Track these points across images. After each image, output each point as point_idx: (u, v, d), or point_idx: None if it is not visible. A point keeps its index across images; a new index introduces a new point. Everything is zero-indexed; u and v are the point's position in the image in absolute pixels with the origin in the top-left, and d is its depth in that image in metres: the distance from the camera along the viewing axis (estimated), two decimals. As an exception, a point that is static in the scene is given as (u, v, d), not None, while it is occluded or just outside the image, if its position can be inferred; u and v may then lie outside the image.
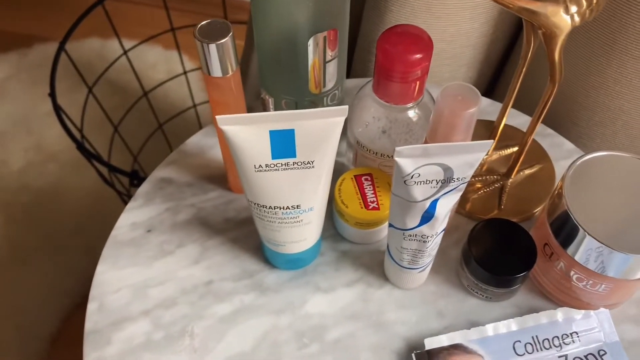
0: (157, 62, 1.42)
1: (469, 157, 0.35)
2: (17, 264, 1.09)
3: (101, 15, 0.88)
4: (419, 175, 0.36)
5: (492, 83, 0.70)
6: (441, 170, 0.36)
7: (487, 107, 0.59)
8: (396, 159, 0.35)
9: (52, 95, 0.81)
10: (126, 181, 0.96)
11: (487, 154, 0.54)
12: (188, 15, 1.21)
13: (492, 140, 0.35)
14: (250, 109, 0.54)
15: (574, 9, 0.36)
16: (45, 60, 1.44)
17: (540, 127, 0.57)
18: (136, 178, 0.76)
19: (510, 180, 0.52)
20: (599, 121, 0.58)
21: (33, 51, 1.46)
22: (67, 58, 0.85)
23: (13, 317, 1.03)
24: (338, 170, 0.50)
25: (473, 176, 0.52)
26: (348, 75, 0.71)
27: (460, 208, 0.51)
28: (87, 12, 0.88)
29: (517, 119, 0.58)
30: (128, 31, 1.22)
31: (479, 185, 0.52)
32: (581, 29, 0.54)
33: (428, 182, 0.36)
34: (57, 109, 0.79)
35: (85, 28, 0.93)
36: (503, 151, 0.54)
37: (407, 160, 0.35)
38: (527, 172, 0.53)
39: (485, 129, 0.55)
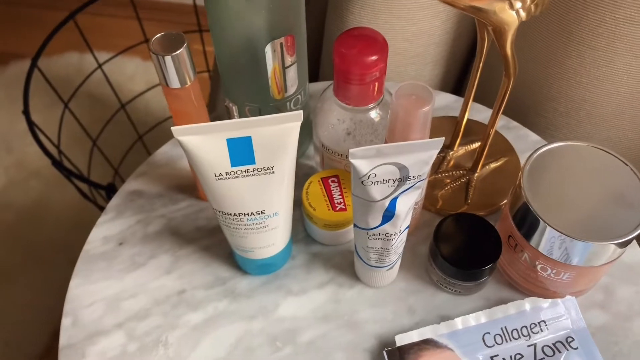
0: (135, 73, 1.42)
1: (422, 155, 0.36)
2: (2, 282, 1.09)
3: (80, 28, 0.88)
4: (375, 175, 0.36)
5: (460, 79, 0.71)
6: (397, 170, 0.36)
7: (454, 104, 0.60)
8: (351, 160, 0.36)
9: (26, 112, 0.81)
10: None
11: (452, 151, 0.55)
12: (164, 24, 1.22)
13: (443, 138, 0.35)
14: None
15: (518, 4, 0.37)
16: (22, 77, 1.42)
17: (505, 120, 0.58)
18: (112, 191, 0.76)
19: (477, 174, 0.53)
20: (564, 111, 0.59)
21: (9, 68, 1.45)
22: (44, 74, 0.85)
23: (1, 334, 1.03)
24: (308, 174, 0.51)
25: (440, 172, 0.53)
26: (317, 78, 0.71)
27: (429, 204, 0.52)
28: (58, 28, 0.88)
29: (483, 114, 0.59)
30: (107, 44, 1.22)
31: (447, 181, 0.53)
32: (540, 20, 0.55)
33: (385, 181, 0.37)
34: (32, 126, 0.79)
35: (63, 42, 0.93)
36: (469, 146, 0.55)
37: (362, 162, 0.36)
38: (493, 165, 0.53)
39: (451, 125, 0.56)
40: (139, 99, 1.11)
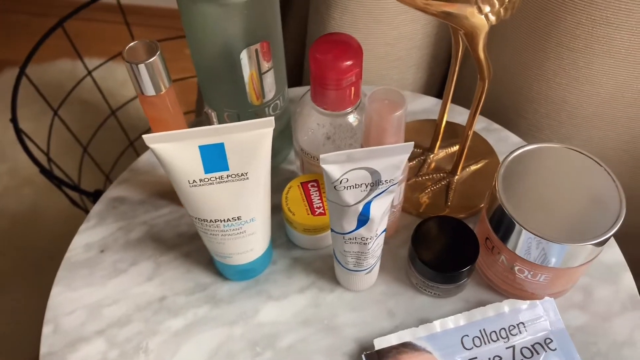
0: (127, 78, 1.42)
1: (393, 159, 0.36)
2: (-5, 290, 1.09)
3: (71, 35, 0.89)
4: (347, 180, 0.37)
5: (443, 82, 0.71)
6: (368, 174, 0.37)
7: (435, 107, 0.60)
8: (322, 165, 0.36)
9: (14, 120, 0.81)
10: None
11: (433, 153, 0.55)
12: (155, 29, 1.22)
13: (412, 142, 0.36)
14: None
15: (487, 9, 0.37)
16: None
17: (486, 122, 0.58)
18: (99, 197, 0.76)
19: (457, 177, 0.53)
20: (545, 113, 0.59)
21: (3, 76, 1.46)
22: (35, 81, 0.85)
23: (-7, 344, 1.03)
24: (289, 178, 0.51)
25: (421, 175, 0.54)
26: (301, 83, 0.72)
27: (410, 207, 0.52)
28: (46, 35, 0.89)
29: (465, 117, 0.59)
30: (99, 50, 1.22)
31: (428, 184, 0.53)
32: (518, 22, 0.55)
33: (357, 186, 0.37)
34: (19, 134, 0.80)
35: (56, 49, 0.93)
36: (449, 149, 0.55)
37: (333, 167, 0.36)
38: (473, 167, 0.54)
39: (432, 128, 0.56)
40: (130, 104, 1.11)
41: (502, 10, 0.38)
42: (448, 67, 0.70)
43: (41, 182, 1.24)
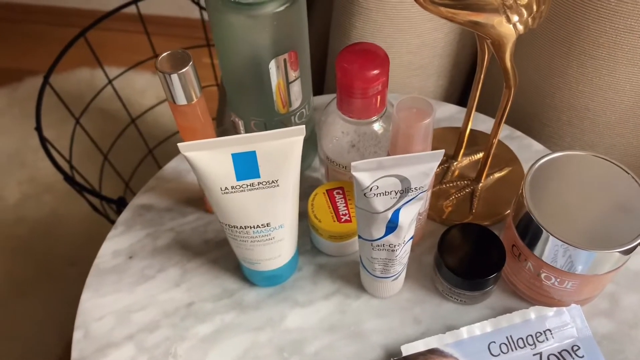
0: (146, 88, 1.44)
1: (422, 167, 0.37)
2: (17, 296, 1.11)
3: (91, 44, 0.90)
4: (377, 187, 0.37)
5: (464, 90, 0.72)
6: (398, 182, 0.37)
7: (457, 114, 0.61)
8: (353, 173, 0.36)
9: (39, 128, 0.83)
10: (118, 208, 0.98)
11: (457, 161, 0.55)
12: (173, 39, 1.24)
13: (443, 150, 0.36)
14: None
15: (515, 18, 0.37)
16: (35, 93, 1.46)
17: (509, 130, 0.59)
18: (123, 205, 0.77)
19: (481, 184, 0.53)
20: (567, 121, 0.59)
21: (23, 85, 1.48)
22: (56, 90, 0.87)
23: (15, 349, 1.04)
24: (313, 185, 0.52)
25: (445, 182, 0.54)
26: (322, 92, 0.72)
27: (434, 214, 0.52)
28: (69, 45, 0.90)
29: (488, 124, 0.59)
30: (117, 59, 1.24)
31: (452, 191, 0.53)
32: (541, 31, 0.56)
33: (387, 193, 0.38)
34: (44, 142, 0.81)
35: (74, 58, 0.95)
36: (473, 156, 0.55)
37: (364, 174, 0.37)
38: (497, 175, 0.54)
39: (455, 136, 0.57)
40: (149, 113, 1.13)
41: (530, 20, 0.38)
42: (469, 75, 0.71)
43: (61, 190, 1.26)
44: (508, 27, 0.38)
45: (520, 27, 0.38)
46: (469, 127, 0.52)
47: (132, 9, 0.96)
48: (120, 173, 1.05)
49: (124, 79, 1.02)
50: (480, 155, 0.55)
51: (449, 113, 0.61)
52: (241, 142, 0.37)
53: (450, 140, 0.56)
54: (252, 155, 0.38)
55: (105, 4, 1.24)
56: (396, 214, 0.39)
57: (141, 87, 1.42)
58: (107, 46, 1.23)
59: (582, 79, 0.55)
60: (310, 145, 0.56)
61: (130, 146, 1.11)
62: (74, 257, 1.15)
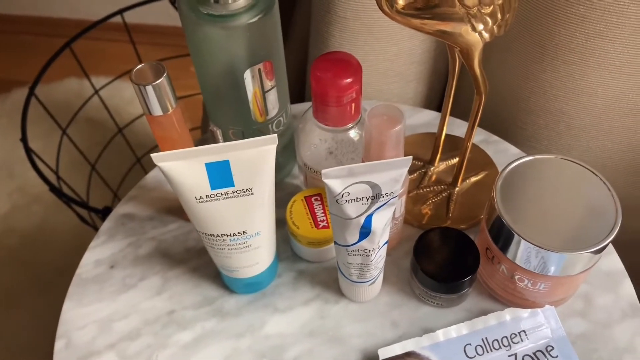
0: (134, 97, 1.44)
1: (392, 173, 0.37)
2: (6, 307, 1.11)
3: (78, 55, 0.91)
4: (349, 194, 0.38)
5: (443, 96, 0.72)
6: (369, 188, 0.38)
7: (435, 120, 0.61)
8: (324, 180, 0.37)
9: (24, 140, 0.83)
10: (105, 217, 0.98)
11: (433, 166, 0.56)
12: (161, 48, 1.25)
13: (411, 157, 0.37)
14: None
15: (480, 26, 0.38)
16: (23, 104, 1.47)
17: (485, 134, 0.59)
18: (109, 214, 0.77)
19: (457, 188, 0.54)
20: (544, 124, 0.60)
21: (12, 95, 1.49)
22: (43, 100, 0.87)
23: (3, 358, 1.04)
24: (293, 192, 0.52)
25: (422, 187, 0.55)
26: (304, 99, 0.73)
27: (411, 219, 0.53)
28: (55, 56, 0.91)
29: (464, 129, 0.60)
30: (107, 68, 1.25)
31: (429, 196, 0.54)
32: (515, 37, 0.57)
33: (359, 199, 0.38)
34: (29, 153, 0.82)
35: (63, 69, 0.95)
36: (449, 161, 0.56)
37: (335, 181, 0.37)
38: (473, 179, 0.55)
39: (432, 141, 0.57)
40: (137, 122, 1.13)
41: (495, 28, 0.39)
42: (447, 81, 0.72)
43: (50, 200, 1.26)
44: (474, 35, 0.39)
45: (485, 35, 0.39)
46: (444, 132, 0.53)
47: (121, 19, 0.96)
48: (108, 182, 1.06)
49: (113, 88, 1.02)
50: (456, 159, 0.56)
51: (427, 119, 0.62)
52: (214, 151, 0.38)
53: (427, 146, 0.57)
54: (225, 164, 0.39)
55: (93, 14, 1.24)
56: (369, 219, 0.40)
57: (129, 96, 1.43)
58: (97, 56, 1.24)
59: (556, 83, 0.56)
60: (290, 153, 0.56)
61: (118, 155, 1.11)
62: (63, 266, 1.15)
